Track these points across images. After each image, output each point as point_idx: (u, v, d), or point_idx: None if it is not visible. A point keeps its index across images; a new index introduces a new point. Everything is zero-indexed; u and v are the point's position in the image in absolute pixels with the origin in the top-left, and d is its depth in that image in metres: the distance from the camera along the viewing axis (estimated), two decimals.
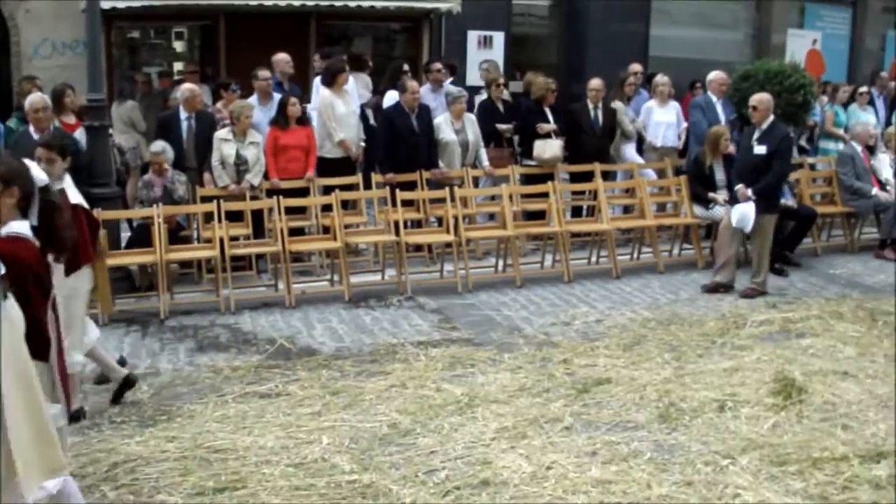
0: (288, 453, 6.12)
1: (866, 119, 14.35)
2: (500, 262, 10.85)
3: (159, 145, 10.29)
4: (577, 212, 12.41)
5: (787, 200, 11.78)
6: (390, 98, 11.87)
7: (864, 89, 15.49)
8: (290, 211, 10.22)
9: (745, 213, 10.20)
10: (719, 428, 6.68)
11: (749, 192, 10.15)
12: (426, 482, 5.76)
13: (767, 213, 10.26)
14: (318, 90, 11.49)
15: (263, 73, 11.31)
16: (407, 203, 10.71)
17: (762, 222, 10.25)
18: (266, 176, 10.56)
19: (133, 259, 9.73)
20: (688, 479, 5.86)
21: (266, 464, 5.97)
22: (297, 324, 9.05)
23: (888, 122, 15.26)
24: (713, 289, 10.40)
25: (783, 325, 9.23)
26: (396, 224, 10.26)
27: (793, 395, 7.24)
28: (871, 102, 15.52)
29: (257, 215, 10.41)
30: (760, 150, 10.18)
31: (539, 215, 11.26)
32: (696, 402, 7.11)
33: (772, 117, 10.33)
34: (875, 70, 17.60)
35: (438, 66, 12.89)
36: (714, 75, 12.99)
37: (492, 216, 11.63)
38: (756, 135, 10.32)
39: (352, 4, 12.80)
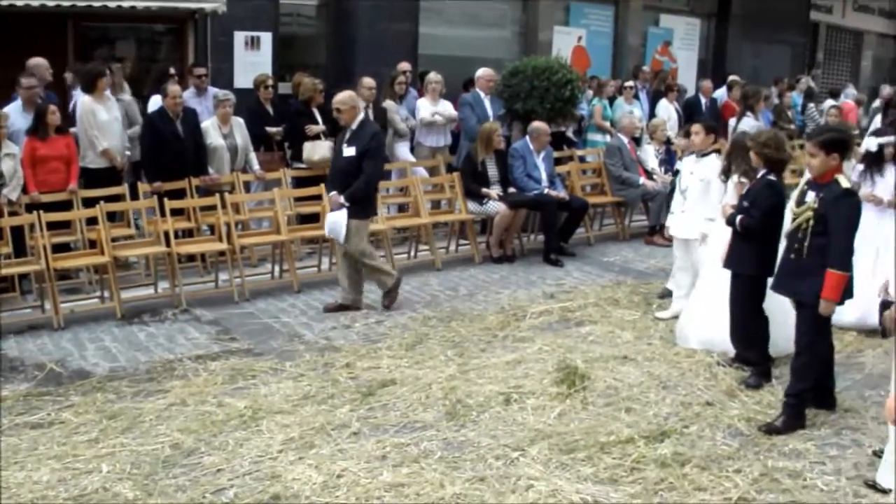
0: (66, 486, 5.76)
1: (632, 111, 14.83)
2: (277, 268, 10.62)
3: None
4: None
5: (560, 192, 12.06)
6: (154, 103, 11.44)
7: (629, 84, 16.07)
8: (53, 226, 9.65)
9: (335, 221, 9.38)
10: (507, 421, 6.74)
11: (342, 198, 9.30)
12: (214, 503, 5.55)
13: (358, 218, 9.39)
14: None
15: (28, 80, 10.60)
16: (177, 212, 10.33)
17: (355, 228, 9.39)
18: (25, 189, 9.96)
19: None
20: (480, 475, 5.87)
21: (43, 500, 5.60)
22: (67, 346, 8.56)
23: (651, 115, 15.86)
24: (335, 309, 9.64)
25: (562, 314, 9.44)
26: (167, 234, 9.88)
27: (576, 382, 7.40)
28: (636, 96, 16.09)
29: (17, 232, 9.80)
30: (350, 151, 9.32)
31: (313, 218, 11.09)
32: (482, 396, 7.15)
33: (361, 116, 9.52)
34: (638, 65, 18.28)
35: (202, 70, 12.54)
36: (482, 72, 13.16)
37: (265, 221, 11.38)
38: (346, 136, 9.46)
39: (111, 5, 12.23)
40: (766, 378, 7.64)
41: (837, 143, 6.53)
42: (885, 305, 5.68)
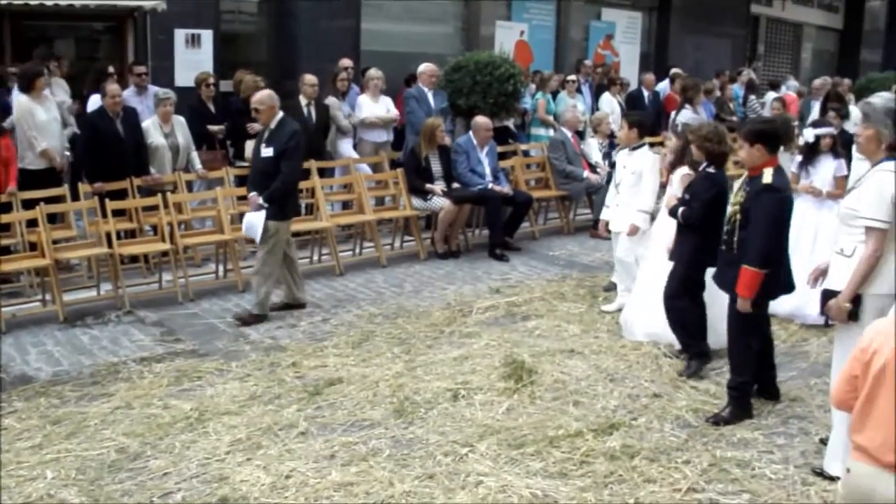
0: (10, 493, 5.68)
1: (575, 105, 14.89)
2: (221, 268, 10.53)
3: None
4: None
5: (504, 186, 12.08)
6: (94, 103, 11.29)
7: (572, 78, 16.15)
8: None
9: (252, 222, 9.14)
10: (455, 417, 6.75)
11: (260, 199, 9.05)
12: None
13: (277, 219, 9.11)
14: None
15: None
16: (118, 213, 10.22)
17: (274, 230, 9.10)
18: None
19: None
20: (429, 472, 5.88)
21: None
22: (9, 350, 8.40)
23: (594, 109, 15.94)
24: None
25: (508, 309, 9.45)
26: (109, 235, 9.76)
27: (523, 377, 7.42)
28: (579, 90, 16.16)
29: None
30: (268, 152, 9.09)
31: None
32: (430, 393, 7.16)
33: (280, 115, 9.22)
34: (580, 59, 18.38)
35: (142, 68, 12.39)
36: (424, 67, 13.15)
37: (208, 221, 11.29)
38: (265, 136, 9.23)
39: (48, 3, 12.06)
40: (703, 359, 7.75)
41: (760, 134, 6.55)
42: (827, 295, 5.74)
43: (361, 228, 11.80)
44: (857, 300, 5.61)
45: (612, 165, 10.71)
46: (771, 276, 6.47)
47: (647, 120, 10.39)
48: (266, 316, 9.18)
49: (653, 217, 9.02)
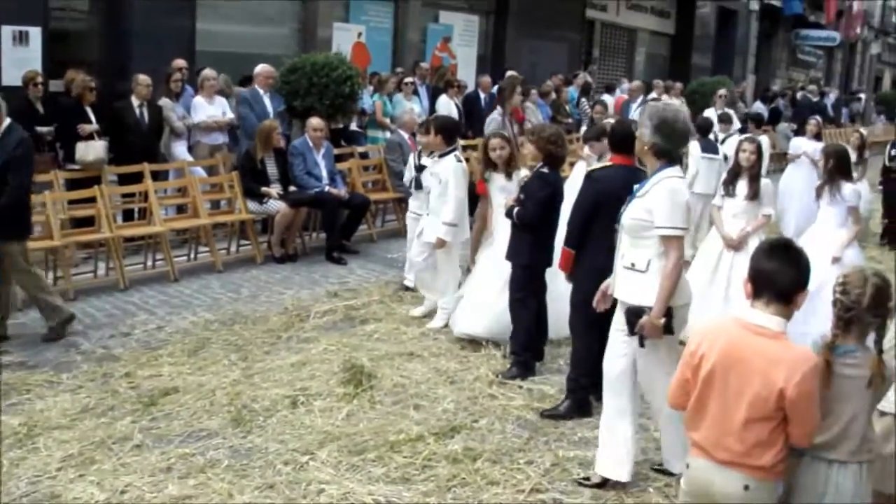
0: None
1: (412, 107, 14.92)
2: (51, 275, 10.16)
3: None
4: (128, 215, 11.79)
5: (340, 189, 12.03)
6: None
7: (409, 79, 16.19)
8: None
9: None
10: (294, 424, 6.70)
11: None
12: None
13: (9, 240, 8.15)
14: None
15: None
16: None
17: (7, 250, 8.18)
18: None
19: None
20: (269, 482, 5.82)
21: None
22: None
23: (432, 111, 16.01)
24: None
25: (346, 313, 9.44)
26: None
27: (363, 381, 7.43)
28: (416, 92, 16.21)
29: None
30: None
31: (88, 221, 10.67)
32: (269, 401, 7.08)
33: (7, 121, 8.13)
34: (417, 61, 18.45)
35: None
36: (260, 69, 13.01)
37: (37, 226, 10.86)
38: None
39: None
40: (524, 371, 7.82)
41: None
42: (636, 314, 5.60)
43: (196, 233, 11.57)
44: (668, 312, 5.53)
45: (417, 168, 10.19)
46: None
47: (452, 124, 10.07)
48: (71, 317, 8.70)
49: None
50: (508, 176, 8.64)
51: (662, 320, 5.49)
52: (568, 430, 6.74)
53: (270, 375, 7.63)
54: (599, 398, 6.72)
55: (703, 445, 3.95)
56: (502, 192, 8.60)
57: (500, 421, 6.85)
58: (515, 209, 7.70)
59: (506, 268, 8.01)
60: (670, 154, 5.64)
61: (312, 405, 7.01)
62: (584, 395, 6.99)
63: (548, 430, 6.72)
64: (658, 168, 5.62)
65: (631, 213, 5.67)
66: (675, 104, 6.01)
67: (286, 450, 6.26)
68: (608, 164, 6.79)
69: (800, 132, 17.08)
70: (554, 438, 6.60)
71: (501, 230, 8.45)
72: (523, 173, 8.41)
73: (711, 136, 13.34)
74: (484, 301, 8.48)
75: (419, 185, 9.94)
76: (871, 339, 3.99)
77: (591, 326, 6.68)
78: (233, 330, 8.85)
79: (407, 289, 10.21)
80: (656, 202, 5.54)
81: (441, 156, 9.20)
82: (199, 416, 6.82)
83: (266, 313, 9.41)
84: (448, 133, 9.33)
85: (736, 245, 8.95)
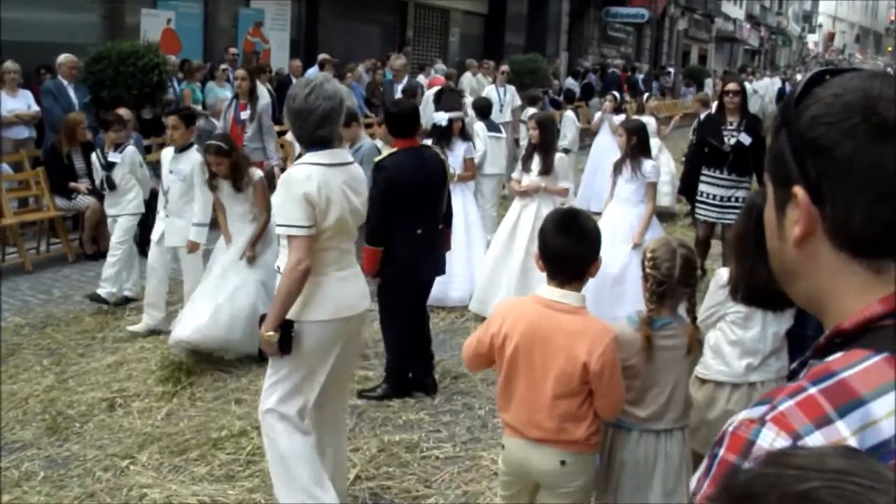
0: None
1: (224, 95, 14.60)
2: None
3: None
4: None
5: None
6: None
7: (224, 66, 15.88)
8: None
9: None
10: (113, 428, 6.49)
11: None
12: None
13: None
14: None
15: None
16: None
17: None
18: None
19: None
20: (89, 491, 5.62)
21: None
22: None
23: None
24: None
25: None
26: None
27: (182, 379, 7.25)
28: (228, 79, 15.86)
29: None
30: None
31: None
32: (85, 405, 6.84)
33: None
34: (227, 47, 18.12)
35: None
36: (63, 58, 12.52)
37: None
38: None
39: None
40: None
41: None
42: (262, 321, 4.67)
43: (3, 233, 11.08)
44: (288, 326, 4.59)
45: (106, 167, 9.35)
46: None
47: (189, 113, 9.01)
48: None
49: None
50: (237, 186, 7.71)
51: (274, 335, 4.56)
52: (393, 413, 6.72)
53: (86, 379, 7.37)
54: (417, 381, 6.84)
55: (514, 425, 3.94)
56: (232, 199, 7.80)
57: None
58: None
59: (235, 275, 7.64)
60: (310, 139, 4.78)
61: (131, 406, 6.80)
62: (398, 379, 7.00)
63: (373, 415, 6.67)
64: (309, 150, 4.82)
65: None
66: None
67: (105, 455, 6.04)
68: (394, 150, 6.76)
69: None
70: (379, 423, 6.55)
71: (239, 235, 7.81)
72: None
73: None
74: (203, 307, 7.59)
75: (112, 186, 9.26)
76: (681, 309, 4.09)
77: (397, 315, 6.82)
78: (45, 333, 8.50)
79: None
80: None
81: (181, 150, 8.29)
82: (11, 426, 6.51)
83: (80, 314, 9.06)
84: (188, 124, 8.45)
85: (523, 192, 8.78)
